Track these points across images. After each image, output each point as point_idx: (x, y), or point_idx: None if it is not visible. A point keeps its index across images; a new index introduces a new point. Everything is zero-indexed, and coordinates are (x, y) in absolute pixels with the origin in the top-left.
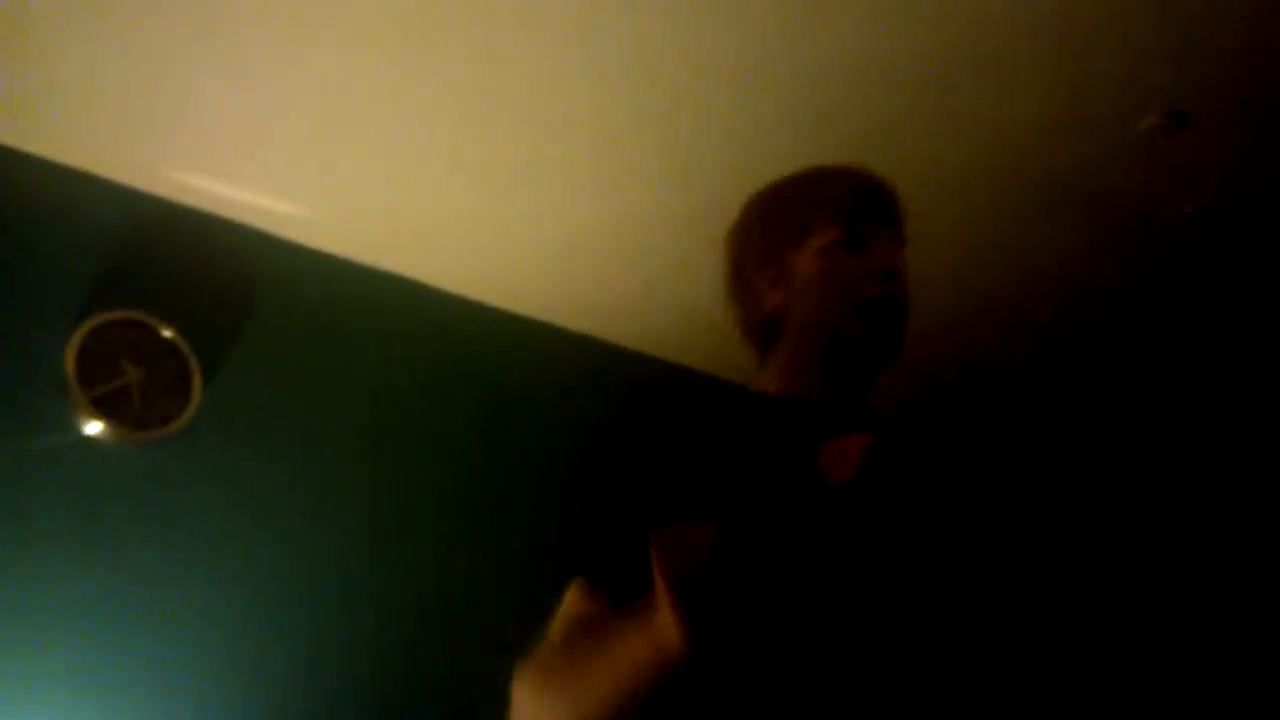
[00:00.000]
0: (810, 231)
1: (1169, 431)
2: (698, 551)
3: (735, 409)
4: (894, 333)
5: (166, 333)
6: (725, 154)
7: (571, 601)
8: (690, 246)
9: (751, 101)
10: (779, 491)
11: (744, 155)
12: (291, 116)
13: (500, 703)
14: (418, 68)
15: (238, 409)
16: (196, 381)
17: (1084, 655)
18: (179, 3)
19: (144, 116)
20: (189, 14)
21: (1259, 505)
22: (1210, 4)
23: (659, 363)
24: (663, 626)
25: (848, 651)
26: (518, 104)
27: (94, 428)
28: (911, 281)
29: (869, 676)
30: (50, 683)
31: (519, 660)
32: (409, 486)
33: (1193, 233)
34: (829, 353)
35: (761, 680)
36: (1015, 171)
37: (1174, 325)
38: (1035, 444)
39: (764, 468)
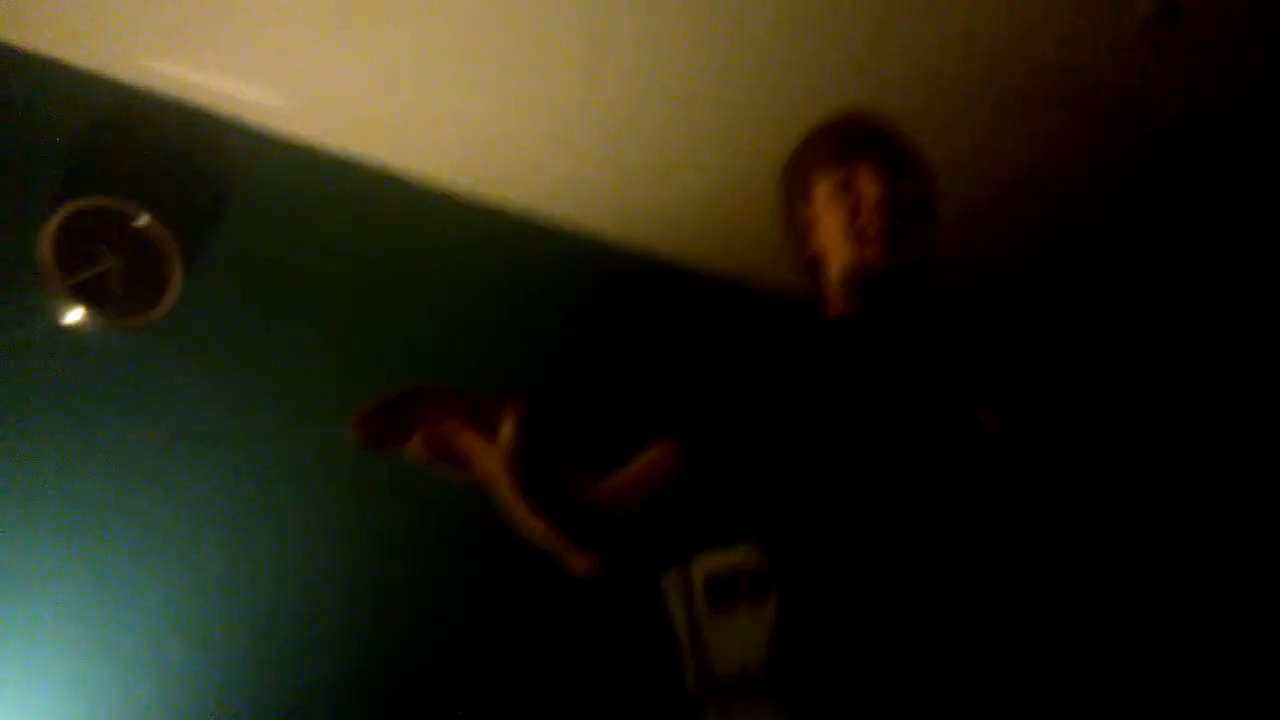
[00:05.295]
0: (811, 187)
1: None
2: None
3: (802, 332)
4: (888, 256)
5: (144, 220)
6: (715, 40)
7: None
8: (678, 136)
9: None
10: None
11: (734, 40)
12: (269, 2)
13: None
14: None
15: (218, 298)
16: (176, 269)
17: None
18: None
19: (116, 2)
20: None
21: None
22: None
23: (637, 255)
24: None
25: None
26: None
27: (75, 314)
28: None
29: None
30: (38, 571)
31: None
32: (388, 377)
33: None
34: (851, 281)
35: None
36: (1008, 63)
37: (1157, 226)
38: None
39: (809, 384)
